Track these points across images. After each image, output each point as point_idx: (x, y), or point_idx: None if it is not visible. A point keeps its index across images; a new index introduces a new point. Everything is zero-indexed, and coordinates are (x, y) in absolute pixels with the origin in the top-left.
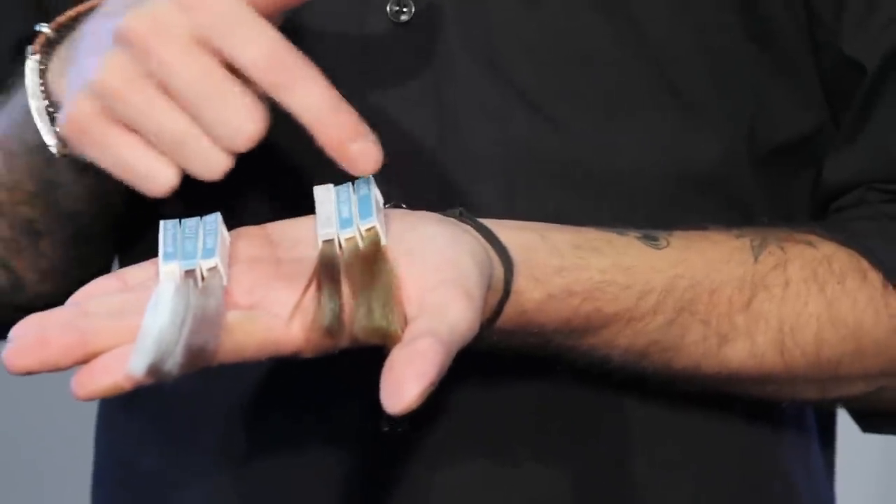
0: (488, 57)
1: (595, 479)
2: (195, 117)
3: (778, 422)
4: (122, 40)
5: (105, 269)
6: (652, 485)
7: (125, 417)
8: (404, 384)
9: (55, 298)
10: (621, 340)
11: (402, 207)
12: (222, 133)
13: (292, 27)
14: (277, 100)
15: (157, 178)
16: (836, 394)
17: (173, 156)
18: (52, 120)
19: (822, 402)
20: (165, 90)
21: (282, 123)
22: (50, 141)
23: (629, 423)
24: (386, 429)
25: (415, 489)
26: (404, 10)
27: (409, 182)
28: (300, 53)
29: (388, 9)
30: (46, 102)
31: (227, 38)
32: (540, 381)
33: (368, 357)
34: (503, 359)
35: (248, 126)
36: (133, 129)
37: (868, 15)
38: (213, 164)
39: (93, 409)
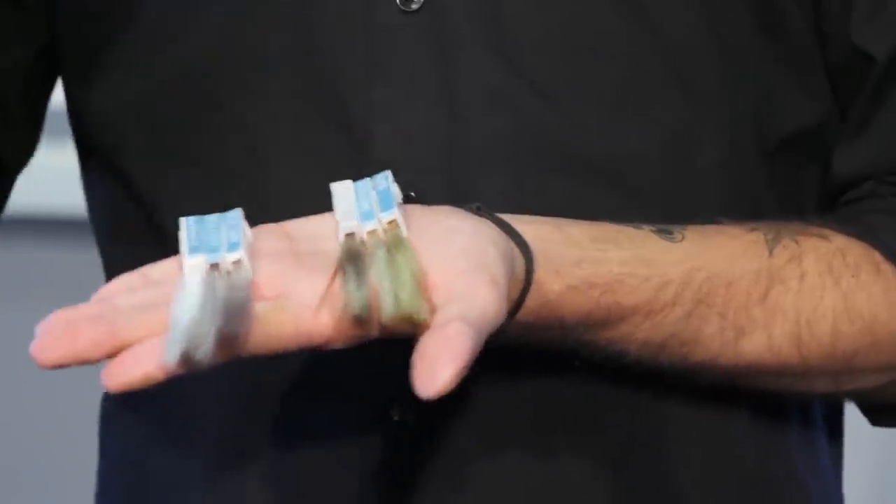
0: (498, 46)
1: (599, 476)
2: None
3: (785, 418)
4: None
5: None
6: (657, 483)
7: (132, 419)
8: (437, 368)
9: None
10: (640, 334)
11: (413, 199)
12: None
13: (299, 18)
14: None
15: None
16: (849, 386)
17: None
18: None
19: (836, 394)
20: None
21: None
22: None
23: (635, 420)
24: (396, 419)
25: (423, 479)
26: None
27: (418, 172)
28: None
29: None
30: None
31: None
32: (547, 371)
33: (373, 352)
34: (519, 352)
35: None
36: None
37: (879, 6)
38: None
39: (91, 410)
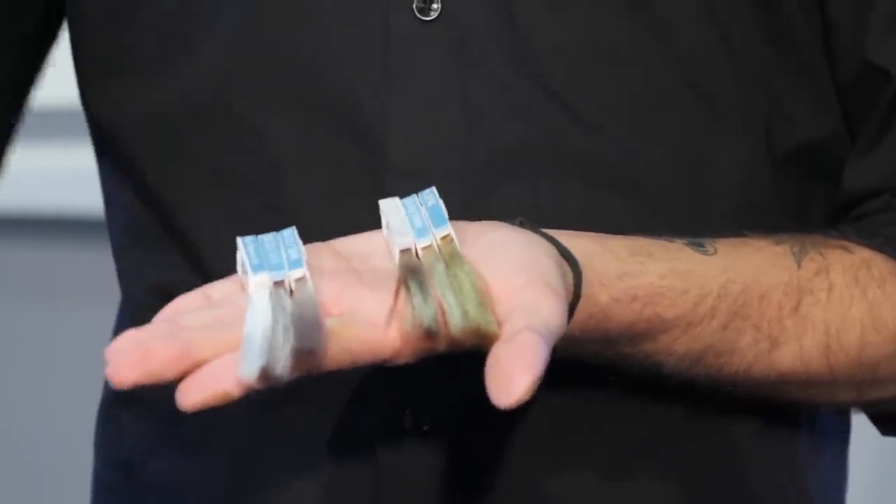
0: (514, 55)
1: (608, 485)
2: None
3: (794, 430)
4: None
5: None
6: (664, 494)
7: (131, 419)
8: (514, 377)
9: None
10: (679, 346)
11: None
12: None
13: (313, 26)
14: None
15: None
16: (871, 396)
17: None
18: None
19: (857, 403)
20: None
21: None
22: None
23: (643, 430)
24: (408, 427)
25: (435, 487)
26: (432, 7)
27: (433, 180)
28: None
29: (414, 6)
30: None
31: None
32: (561, 380)
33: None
34: None
35: None
36: None
37: (894, 22)
38: None
39: (90, 410)
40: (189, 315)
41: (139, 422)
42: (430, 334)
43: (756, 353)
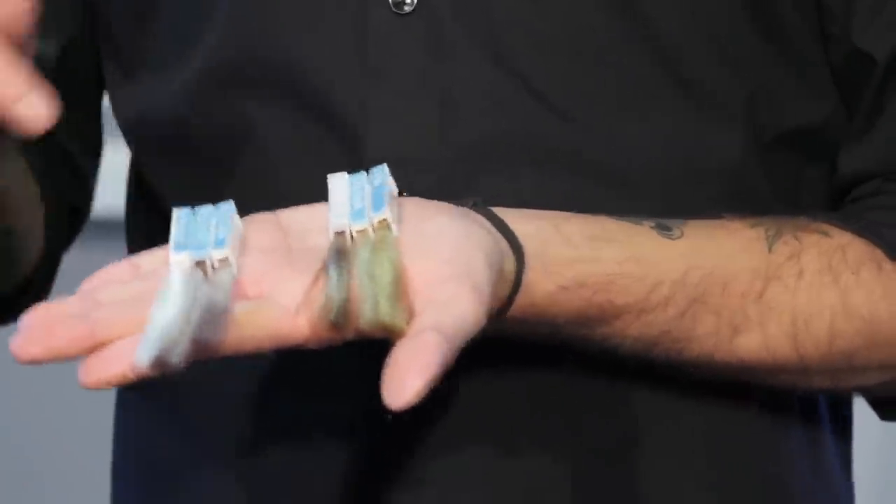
0: (492, 48)
1: (593, 473)
2: None
3: (786, 417)
4: None
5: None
6: (651, 481)
7: (144, 406)
8: (406, 379)
9: None
10: (632, 331)
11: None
12: None
13: (294, 21)
14: None
15: None
16: (849, 383)
17: None
18: None
19: (836, 390)
20: None
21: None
22: None
23: (628, 418)
24: (389, 418)
25: (419, 478)
26: (407, 1)
27: (412, 174)
28: None
29: (390, 1)
30: None
31: None
32: (542, 369)
33: (377, 347)
34: (505, 346)
35: None
36: None
37: (879, 7)
38: None
39: (90, 410)
40: (108, 288)
41: (149, 407)
42: (336, 326)
43: (717, 340)
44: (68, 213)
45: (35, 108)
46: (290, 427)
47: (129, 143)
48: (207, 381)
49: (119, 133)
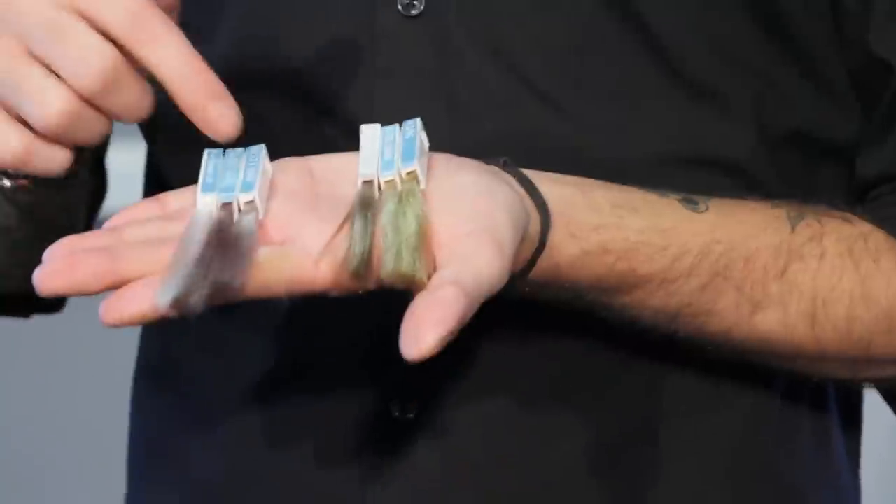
0: (496, 48)
1: (597, 472)
2: (42, 57)
3: (797, 408)
4: None
5: None
6: (672, 465)
7: (156, 399)
8: (423, 331)
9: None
10: (653, 301)
11: None
12: (67, 67)
13: (300, 22)
14: (139, 58)
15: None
16: (867, 374)
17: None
18: None
19: (853, 382)
20: (21, 40)
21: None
22: None
23: (637, 407)
24: (397, 414)
25: (421, 474)
26: (415, 3)
27: None
28: (163, 15)
29: (398, 3)
30: None
31: (93, 1)
32: (550, 365)
33: (389, 341)
34: (515, 341)
35: (94, 61)
36: None
37: (894, 14)
38: (50, 100)
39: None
40: (134, 225)
41: (163, 396)
42: (356, 275)
43: (737, 315)
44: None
45: (226, 114)
46: (288, 432)
47: (146, 137)
48: (217, 373)
49: (130, 133)
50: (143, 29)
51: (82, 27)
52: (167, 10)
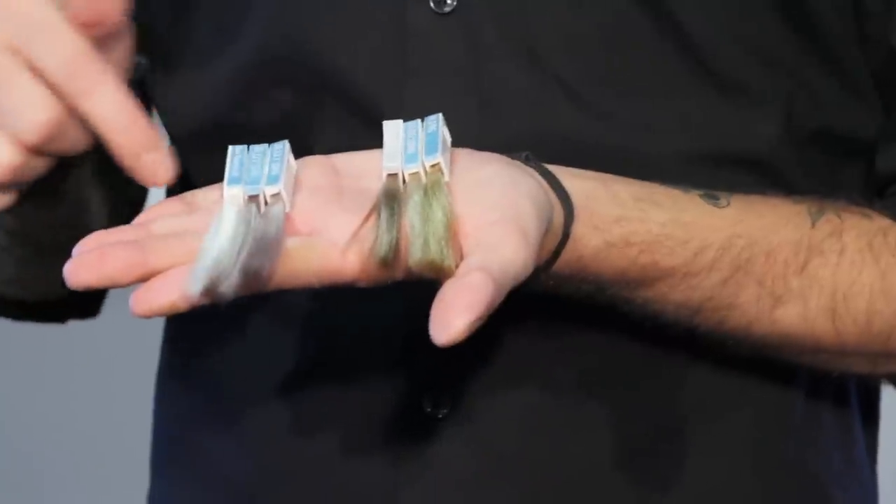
0: (527, 47)
1: (638, 452)
2: None
3: (823, 405)
4: None
5: None
6: (698, 463)
7: (179, 391)
8: (452, 316)
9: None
10: (676, 295)
11: None
12: (10, 122)
13: (331, 20)
14: (77, 107)
15: None
16: (887, 369)
17: None
18: None
19: (873, 376)
20: None
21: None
22: None
23: (662, 405)
24: (428, 409)
25: (452, 470)
26: (448, 0)
27: None
28: (100, 62)
29: (430, 0)
30: None
31: (32, 46)
32: (581, 362)
33: (420, 336)
34: (542, 335)
35: (34, 115)
36: None
37: None
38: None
39: (98, 410)
40: (162, 220)
41: (184, 392)
42: (385, 263)
43: (758, 310)
44: (127, 207)
45: (161, 163)
46: (317, 427)
47: (170, 137)
48: (244, 372)
49: None
50: (79, 77)
51: (25, 77)
52: (113, 35)
